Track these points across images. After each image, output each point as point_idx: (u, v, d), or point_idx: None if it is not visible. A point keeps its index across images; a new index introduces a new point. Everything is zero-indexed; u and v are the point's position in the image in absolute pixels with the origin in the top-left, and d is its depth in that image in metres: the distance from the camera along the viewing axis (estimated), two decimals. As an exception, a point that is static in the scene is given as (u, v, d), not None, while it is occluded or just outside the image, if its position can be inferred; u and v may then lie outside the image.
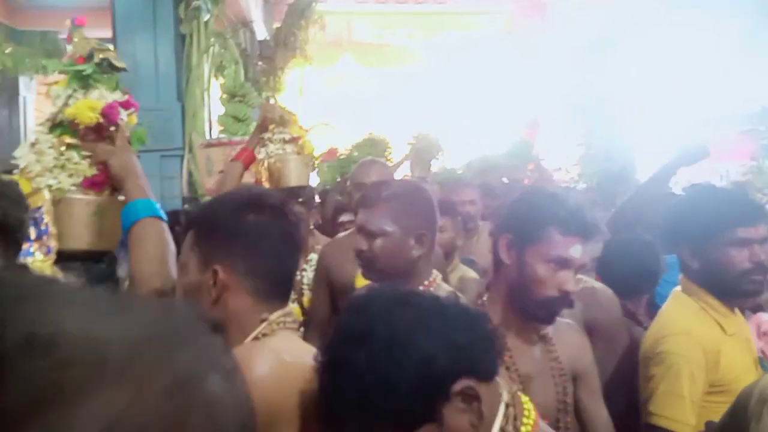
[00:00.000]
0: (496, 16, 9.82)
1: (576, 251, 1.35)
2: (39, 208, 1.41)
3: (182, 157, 4.09)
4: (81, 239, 1.46)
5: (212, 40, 4.13)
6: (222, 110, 4.91)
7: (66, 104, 1.46)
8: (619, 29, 6.92)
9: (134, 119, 1.56)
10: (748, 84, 7.44)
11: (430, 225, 1.54)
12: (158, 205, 1.44)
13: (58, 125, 1.48)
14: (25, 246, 1.38)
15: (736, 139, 7.97)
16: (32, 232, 1.40)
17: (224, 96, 4.84)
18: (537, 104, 9.39)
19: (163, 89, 3.95)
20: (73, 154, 1.45)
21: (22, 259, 1.37)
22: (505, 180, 4.12)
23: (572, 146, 7.30)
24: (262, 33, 7.58)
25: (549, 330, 1.42)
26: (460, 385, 0.85)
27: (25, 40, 6.63)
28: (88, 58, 1.51)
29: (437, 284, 1.58)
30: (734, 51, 6.46)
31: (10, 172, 1.55)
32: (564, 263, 1.34)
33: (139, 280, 1.34)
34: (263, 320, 1.09)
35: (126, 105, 1.52)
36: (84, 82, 1.49)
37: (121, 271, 2.08)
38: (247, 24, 6.04)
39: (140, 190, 1.45)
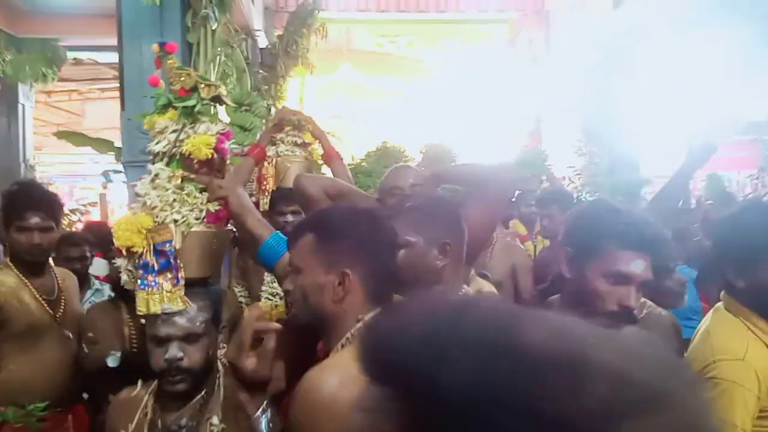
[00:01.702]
0: (498, 25, 9.80)
1: (637, 266, 1.33)
2: (167, 242, 1.47)
3: (188, 166, 4.01)
4: (203, 268, 1.58)
5: (219, 48, 4.06)
6: (227, 119, 4.85)
7: (179, 139, 1.53)
8: (623, 38, 6.90)
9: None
10: (752, 94, 7.44)
11: (454, 235, 1.52)
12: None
13: (172, 158, 1.55)
14: (149, 278, 1.45)
15: (741, 149, 7.97)
16: (156, 264, 1.46)
17: (230, 105, 4.78)
18: (540, 113, 9.39)
19: (170, 98, 3.88)
20: (191, 188, 1.55)
21: (147, 290, 1.44)
22: (517, 191, 4.07)
23: (576, 156, 7.27)
24: (262, 41, 7.54)
25: None
26: None
27: (26, 48, 6.55)
28: (192, 90, 1.56)
29: None
30: (739, 60, 6.45)
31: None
32: (624, 278, 1.33)
33: None
34: (358, 320, 1.22)
35: (227, 136, 1.61)
36: (192, 116, 1.56)
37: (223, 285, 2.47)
38: (249, 32, 5.99)
39: (262, 225, 1.65)
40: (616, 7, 7.10)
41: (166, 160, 1.55)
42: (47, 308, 2.46)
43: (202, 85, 1.58)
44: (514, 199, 4.15)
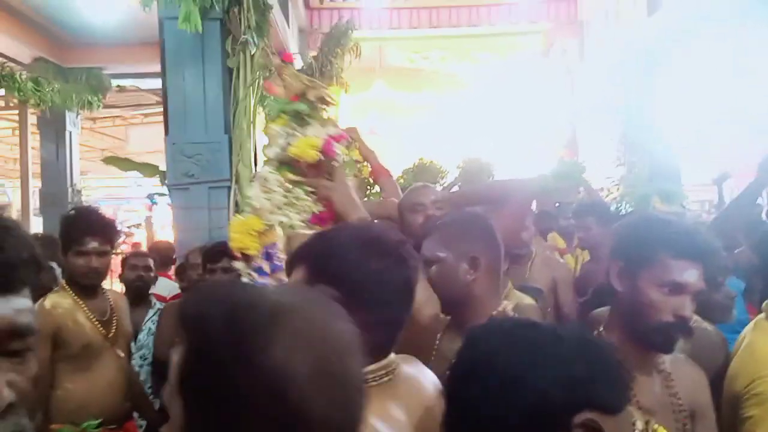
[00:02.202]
0: (532, 37, 9.77)
1: (691, 276, 1.32)
2: (273, 244, 1.49)
3: (230, 188, 4.11)
4: None
5: (258, 73, 4.17)
6: (266, 140, 4.95)
7: (288, 143, 1.53)
8: (659, 45, 6.81)
9: (344, 150, 1.62)
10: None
11: (486, 249, 1.50)
12: None
13: (283, 163, 1.55)
14: (262, 280, 1.49)
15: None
16: (266, 267, 1.49)
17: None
18: (576, 123, 9.31)
19: (211, 122, 3.99)
20: (299, 191, 1.54)
21: None
22: (556, 204, 4.04)
23: (613, 166, 7.18)
24: (298, 63, 7.69)
25: (667, 364, 1.39)
26: (580, 418, 0.82)
27: (72, 77, 6.82)
28: (301, 95, 1.56)
29: (506, 312, 1.53)
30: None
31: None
32: (678, 288, 1.32)
33: (417, 308, 1.28)
34: None
35: (338, 138, 1.59)
36: (301, 120, 1.56)
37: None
38: (286, 54, 6.12)
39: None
40: (650, 14, 7.02)
41: (275, 164, 1.56)
42: (100, 329, 2.55)
43: (310, 87, 1.58)
44: (556, 206, 4.11)
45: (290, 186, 1.54)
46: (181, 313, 0.68)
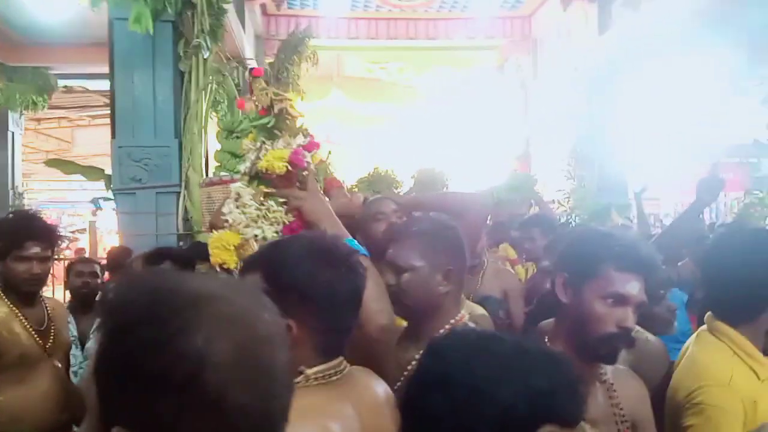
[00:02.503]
0: (487, 52, 9.94)
1: (633, 288, 1.35)
2: None
3: (178, 194, 4.02)
4: None
5: (210, 77, 4.10)
6: (218, 146, 4.87)
7: (258, 157, 1.57)
8: (609, 63, 7.03)
9: (317, 158, 1.67)
10: (738, 117, 7.58)
11: (458, 262, 1.53)
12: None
13: (254, 177, 1.59)
14: None
15: (727, 171, 8.07)
16: None
17: (221, 132, 4.81)
18: (529, 137, 9.50)
19: (161, 126, 3.89)
20: (272, 203, 1.57)
21: None
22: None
23: (564, 179, 7.35)
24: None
25: (609, 375, 1.41)
26: (543, 430, 0.82)
27: (17, 76, 6.58)
28: (269, 109, 1.59)
29: (465, 323, 1.55)
30: (725, 85, 6.57)
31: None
32: (621, 300, 1.34)
33: (367, 319, 1.36)
34: (300, 372, 1.09)
35: (309, 147, 1.62)
36: (269, 133, 1.59)
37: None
38: (241, 60, 6.05)
39: (336, 231, 1.53)
40: (602, 32, 7.24)
41: (247, 179, 1.60)
42: (37, 339, 2.44)
43: (276, 100, 1.61)
44: (489, 223, 4.16)
45: (262, 199, 1.58)
46: (102, 299, 0.67)
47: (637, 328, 1.66)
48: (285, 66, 7.27)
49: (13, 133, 7.09)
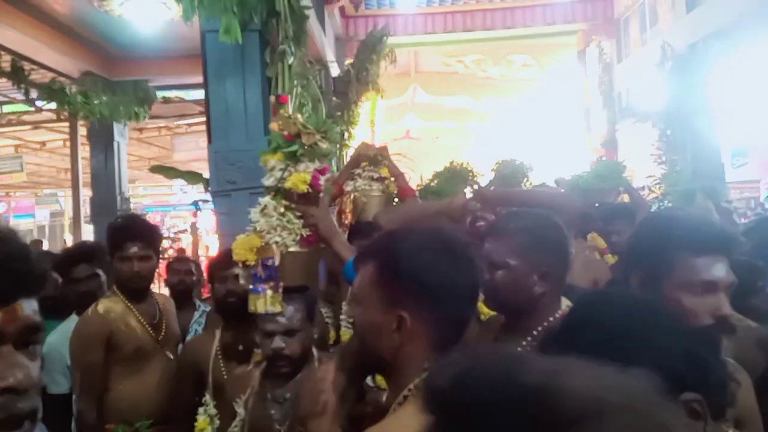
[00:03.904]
0: (567, 36, 9.69)
1: (718, 270, 1.23)
2: (270, 258, 1.85)
3: (270, 194, 4.21)
4: (297, 279, 1.91)
5: (295, 81, 4.27)
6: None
7: (283, 177, 1.88)
8: (698, 43, 6.69)
9: (326, 180, 1.98)
10: None
11: (557, 262, 1.46)
12: None
13: (277, 192, 1.89)
14: (258, 285, 1.86)
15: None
16: (263, 274, 1.86)
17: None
18: (615, 123, 9.18)
19: (252, 130, 4.10)
20: (291, 216, 1.86)
21: (256, 294, 1.85)
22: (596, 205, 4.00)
23: (655, 164, 7.06)
24: (335, 70, 7.81)
25: None
26: (689, 396, 0.80)
27: (119, 90, 7.08)
28: (296, 137, 1.90)
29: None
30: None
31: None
32: (709, 286, 1.23)
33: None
34: (425, 369, 1.02)
35: (323, 172, 1.93)
36: (294, 159, 1.90)
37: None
38: (323, 63, 6.24)
39: (346, 247, 1.86)
40: (689, 10, 6.90)
41: (272, 193, 1.89)
42: (151, 332, 2.64)
43: (304, 133, 1.90)
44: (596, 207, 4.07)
45: (283, 211, 1.86)
46: (428, 388, 0.55)
47: (738, 315, 1.56)
48: (364, 66, 7.42)
49: (118, 143, 7.63)
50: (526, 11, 9.14)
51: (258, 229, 1.86)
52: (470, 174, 4.14)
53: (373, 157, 2.81)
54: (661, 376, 0.76)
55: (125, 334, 2.56)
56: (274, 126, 1.98)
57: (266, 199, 1.89)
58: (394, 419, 1.01)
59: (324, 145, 1.94)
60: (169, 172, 5.75)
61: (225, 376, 2.33)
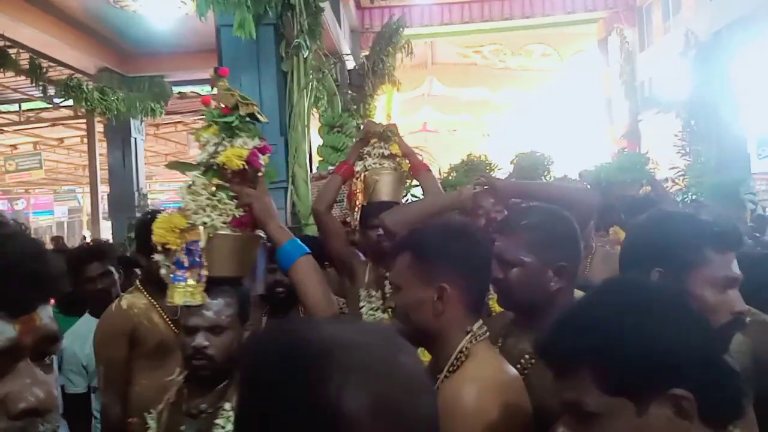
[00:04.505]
0: (587, 25, 9.53)
1: (736, 267, 1.27)
2: (195, 242, 1.62)
3: (286, 189, 4.18)
4: (227, 268, 1.67)
5: (311, 74, 4.23)
6: (320, 141, 5.02)
7: (216, 151, 1.66)
8: (724, 28, 6.52)
9: (266, 160, 1.73)
10: None
11: (572, 256, 1.43)
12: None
13: (209, 169, 1.66)
14: (179, 273, 1.61)
15: None
16: (186, 261, 1.62)
17: (323, 127, 4.95)
18: (637, 114, 9.02)
19: (267, 125, 4.02)
20: (223, 195, 1.64)
21: (176, 284, 1.61)
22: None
23: (678, 155, 6.92)
24: (350, 63, 7.76)
25: None
26: (680, 392, 0.79)
27: (135, 86, 7.10)
28: (233, 109, 1.67)
29: None
30: None
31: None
32: (732, 282, 1.26)
33: (314, 312, 1.57)
34: (468, 332, 1.25)
35: (263, 150, 1.71)
36: (231, 131, 1.68)
37: (259, 289, 2.56)
38: (338, 56, 6.18)
39: (282, 231, 1.67)
40: (714, -4, 6.74)
41: (202, 169, 1.67)
42: (173, 328, 2.64)
43: (242, 104, 1.69)
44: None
45: (214, 189, 1.65)
46: (239, 356, 0.67)
47: (754, 309, 1.53)
48: (380, 58, 7.35)
49: (135, 139, 7.66)
50: (545, 0, 9.00)
51: (184, 208, 1.65)
52: (488, 167, 4.06)
53: (382, 134, 2.64)
54: (654, 367, 0.79)
55: (148, 329, 2.56)
56: (209, 100, 1.76)
57: (194, 174, 1.68)
58: (466, 372, 1.22)
59: (263, 118, 1.73)
60: (185, 167, 5.72)
61: None
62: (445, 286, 1.24)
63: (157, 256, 1.67)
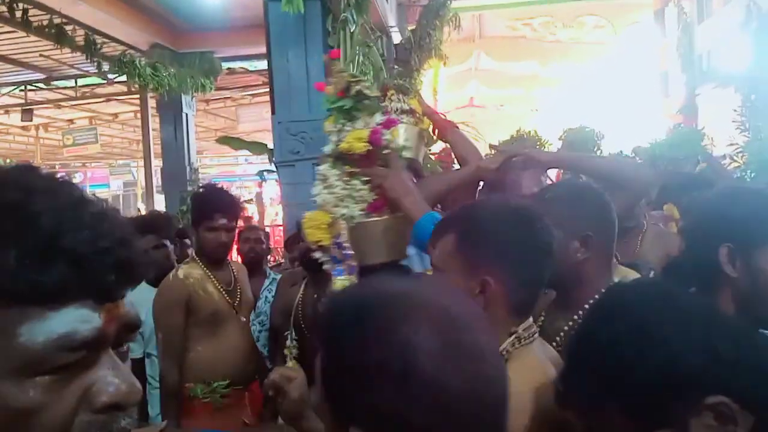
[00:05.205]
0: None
1: None
2: (339, 234, 1.62)
3: (334, 164, 4.21)
4: (376, 255, 1.64)
5: (357, 49, 4.22)
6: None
7: (339, 139, 1.63)
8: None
9: (396, 133, 1.68)
10: None
11: (599, 226, 1.41)
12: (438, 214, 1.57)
13: (338, 158, 1.64)
14: (336, 267, 1.64)
15: None
16: (339, 255, 1.63)
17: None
18: (694, 88, 8.68)
19: (314, 100, 4.09)
20: (356, 182, 1.62)
21: (336, 278, 1.63)
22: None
23: (737, 132, 6.64)
24: (396, 37, 7.68)
25: None
26: (715, 399, 0.76)
27: (186, 62, 7.22)
28: (346, 91, 1.64)
29: None
30: None
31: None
32: None
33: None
34: (512, 333, 1.10)
35: (387, 125, 1.65)
36: (348, 114, 1.64)
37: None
38: (385, 30, 6.14)
39: (416, 206, 1.60)
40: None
41: (331, 161, 1.64)
42: (227, 297, 2.74)
43: (353, 83, 1.65)
44: None
45: (348, 178, 1.62)
46: (318, 319, 0.75)
47: None
48: (427, 32, 7.25)
49: (186, 114, 7.82)
50: (598, -30, 8.69)
51: (322, 203, 1.64)
52: (538, 142, 3.99)
53: (401, 86, 2.52)
54: (673, 372, 0.77)
55: (203, 298, 2.67)
56: (328, 88, 1.70)
57: (324, 168, 1.65)
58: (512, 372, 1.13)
59: (370, 93, 1.67)
60: (235, 142, 5.85)
61: (302, 323, 2.79)
62: (489, 280, 1.09)
63: (316, 254, 1.70)
